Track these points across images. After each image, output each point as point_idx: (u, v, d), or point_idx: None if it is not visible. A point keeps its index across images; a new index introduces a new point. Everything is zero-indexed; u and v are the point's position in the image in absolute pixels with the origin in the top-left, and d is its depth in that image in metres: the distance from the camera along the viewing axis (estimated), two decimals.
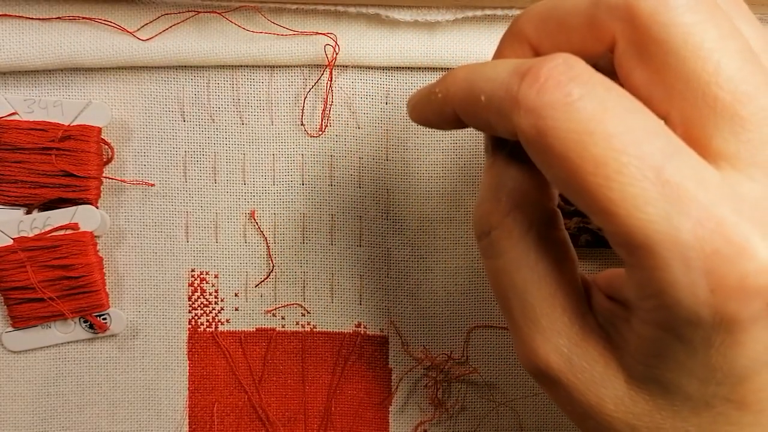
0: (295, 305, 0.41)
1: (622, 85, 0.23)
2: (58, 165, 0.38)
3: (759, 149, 0.22)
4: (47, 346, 0.40)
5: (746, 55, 0.22)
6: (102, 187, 0.39)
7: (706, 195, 0.21)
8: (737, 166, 0.22)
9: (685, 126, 0.23)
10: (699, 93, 0.22)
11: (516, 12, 0.38)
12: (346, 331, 0.41)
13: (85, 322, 0.40)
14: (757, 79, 0.22)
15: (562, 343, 0.26)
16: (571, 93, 0.22)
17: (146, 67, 0.39)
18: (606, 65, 0.25)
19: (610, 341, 0.26)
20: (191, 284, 0.41)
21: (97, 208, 0.39)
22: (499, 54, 0.27)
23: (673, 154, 0.22)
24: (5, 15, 0.37)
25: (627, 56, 0.23)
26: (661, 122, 0.23)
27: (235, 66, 0.39)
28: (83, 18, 0.38)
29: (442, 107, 0.27)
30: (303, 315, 0.41)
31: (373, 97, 0.40)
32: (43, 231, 0.38)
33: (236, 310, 0.41)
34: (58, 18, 0.38)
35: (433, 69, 0.39)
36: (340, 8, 0.38)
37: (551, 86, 0.22)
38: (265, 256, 0.41)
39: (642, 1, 0.23)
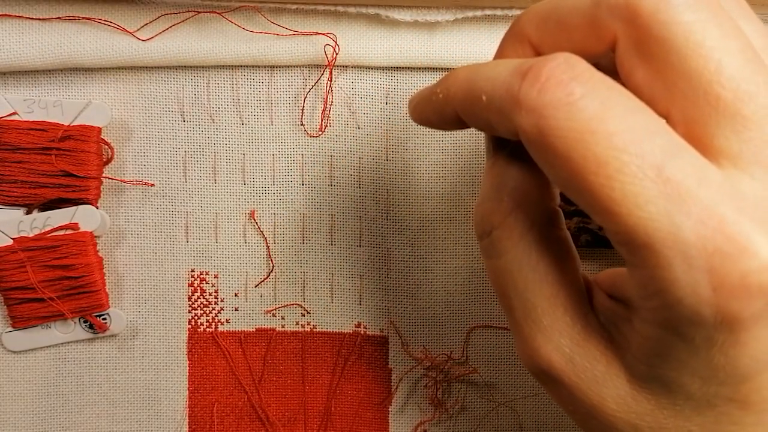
0: (295, 305, 0.41)
1: (623, 84, 0.23)
2: (58, 165, 0.38)
3: (760, 148, 0.22)
4: (47, 346, 0.40)
5: (748, 53, 0.22)
6: (102, 187, 0.39)
7: (708, 193, 0.21)
8: (739, 165, 0.22)
9: (686, 125, 0.23)
10: (701, 92, 0.22)
11: (516, 12, 0.38)
12: (346, 331, 0.41)
13: (85, 322, 0.40)
14: (759, 78, 0.22)
15: (563, 343, 0.26)
16: (572, 92, 0.22)
17: (146, 67, 0.39)
18: (607, 64, 0.25)
19: (611, 341, 0.26)
20: (191, 284, 0.41)
21: (97, 208, 0.39)
22: (500, 54, 0.27)
23: (674, 152, 0.21)
24: (5, 15, 0.37)
25: (628, 55, 0.23)
26: (663, 121, 0.23)
27: (235, 66, 0.39)
28: (83, 18, 0.38)
29: (443, 107, 0.27)
30: (303, 315, 0.41)
31: (373, 97, 0.40)
32: (43, 231, 0.38)
33: (236, 310, 0.41)
34: (58, 18, 0.37)
35: (433, 69, 0.39)
36: (340, 8, 0.38)
37: (552, 86, 0.22)
38: (265, 256, 0.41)
39: None
